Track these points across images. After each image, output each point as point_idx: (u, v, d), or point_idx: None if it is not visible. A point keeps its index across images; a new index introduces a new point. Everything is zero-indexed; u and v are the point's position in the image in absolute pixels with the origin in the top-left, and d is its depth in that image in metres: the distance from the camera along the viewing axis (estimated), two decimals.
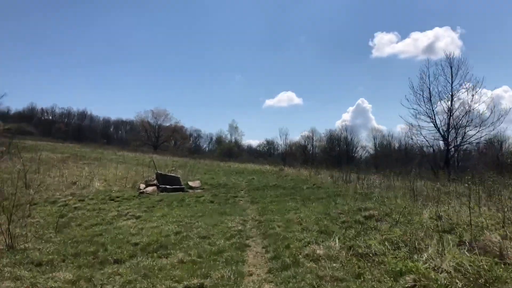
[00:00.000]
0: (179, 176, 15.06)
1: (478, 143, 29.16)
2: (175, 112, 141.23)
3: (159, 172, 14.93)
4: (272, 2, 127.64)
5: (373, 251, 5.43)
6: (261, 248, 6.20)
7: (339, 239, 6.19)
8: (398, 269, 4.62)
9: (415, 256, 5.03)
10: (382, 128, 76.43)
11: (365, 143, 76.13)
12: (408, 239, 5.74)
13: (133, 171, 19.09)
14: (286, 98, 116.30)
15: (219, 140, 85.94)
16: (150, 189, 13.84)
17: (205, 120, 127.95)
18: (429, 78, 27.79)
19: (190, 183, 15.32)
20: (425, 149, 29.91)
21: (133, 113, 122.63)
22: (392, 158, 71.17)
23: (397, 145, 75.95)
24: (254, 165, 28.92)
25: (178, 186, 14.43)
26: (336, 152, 77.46)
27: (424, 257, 4.89)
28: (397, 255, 5.21)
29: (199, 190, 14.60)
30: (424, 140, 28.20)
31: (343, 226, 7.35)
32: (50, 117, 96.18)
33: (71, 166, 21.63)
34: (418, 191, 13.46)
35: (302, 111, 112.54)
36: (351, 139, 76.95)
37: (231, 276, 4.74)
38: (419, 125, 28.57)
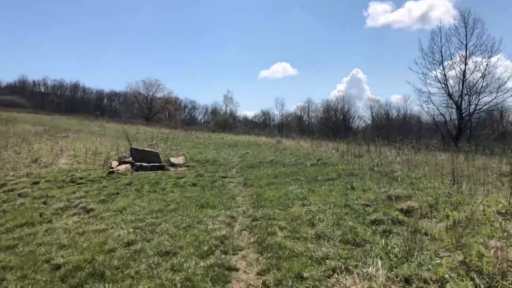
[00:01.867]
0: (158, 151, 12.58)
1: (492, 110, 26.82)
2: (170, 85, 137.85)
3: (134, 146, 12.45)
4: None
5: None
6: (255, 277, 3.83)
7: (381, 259, 3.83)
8: None
9: None
10: (377, 98, 73.76)
11: (362, 113, 74.14)
12: (504, 266, 3.37)
13: (110, 146, 16.66)
14: (281, 69, 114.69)
15: (214, 111, 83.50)
16: (122, 167, 11.41)
17: (200, 92, 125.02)
18: (441, 39, 25.06)
19: (173, 160, 12.89)
20: (435, 118, 27.42)
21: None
22: (392, 127, 69.43)
23: (395, 114, 74.20)
24: (249, 137, 26.43)
25: (157, 164, 12.00)
26: (333, 123, 75.45)
27: None
28: None
29: (182, 168, 12.19)
30: (435, 107, 25.81)
31: (377, 229, 4.97)
32: (42, 89, 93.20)
33: (45, 140, 19.09)
34: (445, 168, 11.20)
35: (297, 82, 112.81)
36: (348, 109, 74.89)
37: None
38: (429, 92, 26.11)
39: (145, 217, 5.96)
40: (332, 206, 6.27)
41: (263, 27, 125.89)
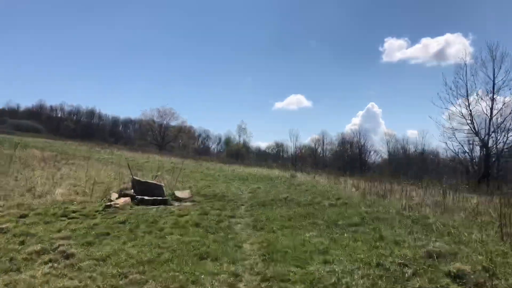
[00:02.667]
0: (162, 184, 11.56)
1: None
2: (185, 113, 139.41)
3: (136, 178, 11.48)
4: (282, 5, 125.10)
5: None
6: None
7: None
8: None
9: None
10: (394, 133, 72.44)
11: (378, 147, 72.62)
12: None
13: (114, 175, 15.75)
14: (296, 101, 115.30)
15: (228, 141, 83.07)
16: (121, 201, 10.39)
17: (214, 122, 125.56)
18: (466, 72, 24.00)
19: (178, 193, 11.84)
20: (459, 155, 25.92)
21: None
22: (409, 163, 67.49)
23: (412, 149, 72.42)
24: (261, 170, 25.30)
25: (160, 198, 10.96)
26: (348, 156, 73.95)
27: None
28: None
29: (187, 203, 11.12)
30: (459, 144, 24.44)
31: None
32: (59, 115, 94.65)
33: (48, 166, 18.32)
34: (483, 214, 9.92)
35: (312, 114, 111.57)
36: (364, 143, 73.54)
37: None
38: (452, 128, 24.83)
39: (129, 271, 4.84)
40: (361, 265, 5.08)
41: (278, 59, 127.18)
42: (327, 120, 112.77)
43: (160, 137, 69.24)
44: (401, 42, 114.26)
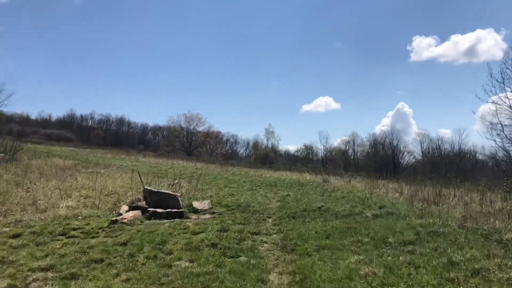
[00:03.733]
0: (177, 194, 10.16)
1: None
2: (212, 119, 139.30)
3: (148, 188, 10.14)
4: (308, 7, 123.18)
5: None
6: None
7: None
8: None
9: None
10: (427, 133, 68.94)
11: (411, 148, 69.25)
12: None
13: (129, 184, 14.54)
14: (324, 103, 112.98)
15: (255, 145, 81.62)
16: (130, 214, 9.08)
17: (242, 126, 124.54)
18: None
19: (196, 204, 10.44)
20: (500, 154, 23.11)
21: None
22: (448, 164, 63.77)
23: (447, 149, 68.61)
24: (291, 174, 23.62)
25: (175, 210, 9.59)
26: (381, 158, 70.92)
27: None
28: None
29: (205, 216, 9.68)
30: (510, 142, 21.87)
31: None
32: (89, 124, 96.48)
33: (65, 176, 17.41)
34: None
35: (340, 116, 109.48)
36: (397, 144, 70.36)
37: None
38: (501, 124, 22.26)
39: None
40: None
41: (306, 62, 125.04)
42: (356, 122, 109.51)
43: (187, 142, 68.70)
44: (429, 40, 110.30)
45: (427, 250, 5.97)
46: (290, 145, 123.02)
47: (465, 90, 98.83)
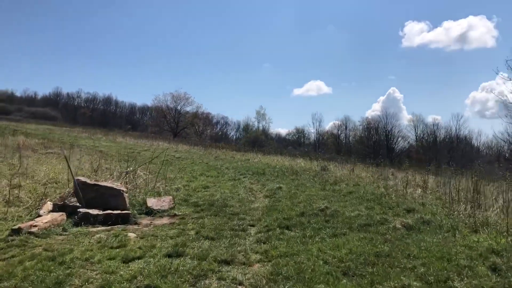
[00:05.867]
0: (122, 188, 7.13)
1: None
2: (202, 100, 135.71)
3: (82, 179, 7.13)
4: None
5: None
6: None
7: None
8: None
9: None
10: (422, 117, 66.95)
11: (405, 133, 67.03)
12: None
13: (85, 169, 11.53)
14: (315, 87, 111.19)
15: (246, 127, 78.75)
16: (47, 218, 6.11)
17: (233, 108, 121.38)
18: None
19: (151, 202, 7.48)
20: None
21: None
22: (444, 150, 61.54)
23: (443, 135, 66.50)
24: (282, 159, 20.67)
25: (117, 212, 6.64)
26: (374, 143, 68.42)
27: None
28: None
29: (162, 221, 6.76)
30: None
31: None
32: (76, 102, 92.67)
33: (14, 156, 14.28)
34: None
35: (332, 100, 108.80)
36: (391, 128, 67.88)
37: None
38: None
39: None
40: None
41: (297, 45, 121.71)
42: (348, 106, 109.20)
43: (174, 123, 65.21)
44: (422, 25, 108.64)
45: None
46: (281, 128, 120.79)
47: (456, 77, 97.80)
